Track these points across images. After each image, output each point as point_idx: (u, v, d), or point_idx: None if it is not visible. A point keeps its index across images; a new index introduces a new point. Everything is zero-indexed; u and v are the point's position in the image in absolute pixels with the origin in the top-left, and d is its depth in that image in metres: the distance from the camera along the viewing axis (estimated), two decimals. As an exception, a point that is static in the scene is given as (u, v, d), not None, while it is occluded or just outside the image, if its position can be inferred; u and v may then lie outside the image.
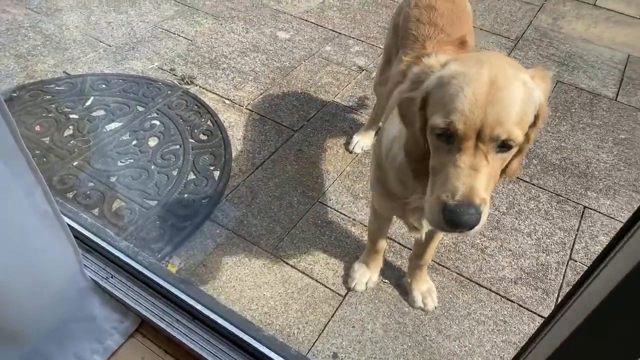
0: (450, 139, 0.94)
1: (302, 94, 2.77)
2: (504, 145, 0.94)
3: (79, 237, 1.72)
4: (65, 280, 1.54)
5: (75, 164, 2.22)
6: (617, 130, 2.72)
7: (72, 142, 2.33)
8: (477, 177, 0.92)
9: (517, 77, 0.95)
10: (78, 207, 2.03)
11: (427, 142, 1.03)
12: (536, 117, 1.00)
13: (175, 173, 2.23)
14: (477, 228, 0.94)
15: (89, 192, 2.10)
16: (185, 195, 2.13)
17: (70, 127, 2.41)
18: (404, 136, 1.14)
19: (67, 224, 1.77)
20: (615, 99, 2.96)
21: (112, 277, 1.67)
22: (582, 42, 3.48)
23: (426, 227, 1.33)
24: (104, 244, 1.71)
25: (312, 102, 2.71)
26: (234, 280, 1.86)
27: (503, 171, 1.06)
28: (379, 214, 1.61)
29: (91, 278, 1.63)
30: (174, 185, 2.17)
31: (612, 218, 2.21)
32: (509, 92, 0.91)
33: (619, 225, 2.18)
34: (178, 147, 2.36)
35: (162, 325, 1.55)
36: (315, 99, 2.74)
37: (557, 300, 1.87)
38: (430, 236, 1.56)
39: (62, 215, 1.56)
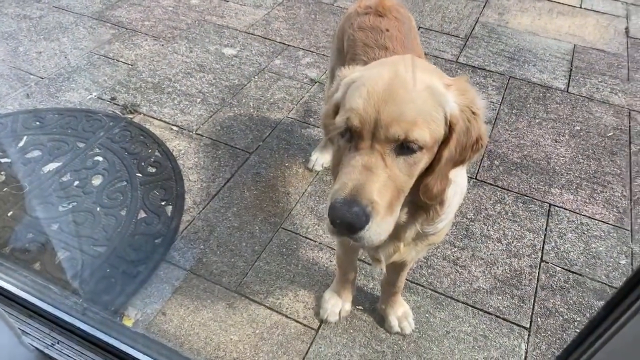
0: (350, 138, 0.93)
1: (255, 112, 2.64)
2: (406, 148, 0.90)
3: (17, 302, 1.55)
4: (3, 356, 1.37)
5: (10, 214, 2.02)
6: (572, 122, 2.74)
7: (5, 189, 2.12)
8: (370, 177, 0.88)
9: (422, 79, 0.93)
10: (16, 265, 1.83)
11: None
12: (449, 132, 0.94)
13: (123, 213, 2.06)
14: (368, 235, 0.88)
15: (27, 245, 1.90)
16: (136, 237, 1.97)
17: (2, 172, 2.19)
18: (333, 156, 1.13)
19: (4, 288, 1.59)
20: (567, 90, 2.99)
21: (58, 343, 1.51)
22: (529, 36, 3.51)
23: (385, 260, 1.25)
24: (46, 307, 1.54)
25: (266, 121, 2.59)
26: (197, 326, 1.72)
27: (419, 190, 1.00)
28: (344, 244, 1.51)
29: (34, 347, 1.47)
30: (123, 226, 2.00)
31: (578, 213, 2.21)
32: (407, 92, 0.90)
33: (585, 220, 2.17)
34: (125, 183, 2.19)
35: (119, 391, 1.40)
36: (269, 116, 2.62)
37: (533, 307, 1.83)
38: (400, 265, 1.47)
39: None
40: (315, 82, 2.88)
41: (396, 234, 1.16)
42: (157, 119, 2.56)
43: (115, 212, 2.06)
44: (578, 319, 1.81)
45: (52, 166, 2.24)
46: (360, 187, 0.86)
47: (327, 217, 0.88)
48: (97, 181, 2.19)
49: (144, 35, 3.21)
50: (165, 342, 1.66)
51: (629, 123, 2.76)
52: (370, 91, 0.89)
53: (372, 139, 0.89)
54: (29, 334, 1.49)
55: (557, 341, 1.74)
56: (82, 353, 1.47)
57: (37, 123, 2.46)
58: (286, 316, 1.76)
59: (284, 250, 1.98)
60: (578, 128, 2.70)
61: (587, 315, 1.83)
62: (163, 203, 2.12)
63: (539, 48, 3.38)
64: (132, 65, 2.93)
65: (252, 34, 3.30)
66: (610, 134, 2.67)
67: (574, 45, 3.44)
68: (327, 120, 1.06)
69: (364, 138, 0.89)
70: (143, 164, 2.29)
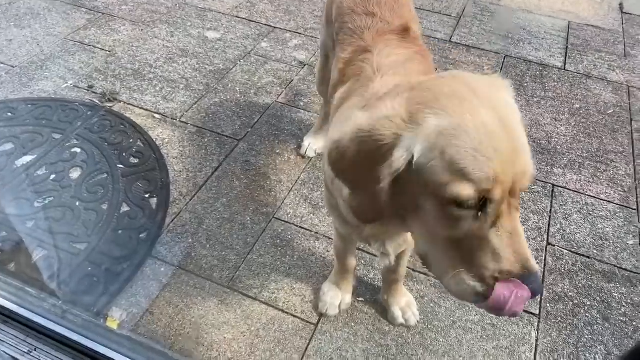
0: (475, 205, 0.77)
1: (242, 97, 2.51)
2: None
3: (-12, 306, 1.42)
4: (-28, 367, 1.25)
5: (-20, 212, 1.88)
6: (570, 101, 2.65)
7: (-25, 186, 1.97)
8: (523, 241, 0.79)
9: (509, 103, 0.83)
10: (-12, 266, 1.70)
11: (390, 201, 0.84)
12: None
13: (105, 207, 1.92)
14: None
15: (0, 245, 1.76)
16: (120, 232, 1.84)
17: (-28, 168, 2.04)
18: (351, 196, 0.93)
19: (-28, 292, 1.46)
20: (564, 68, 2.90)
21: (35, 350, 1.38)
22: (523, 13, 3.41)
23: (394, 251, 1.16)
24: (21, 311, 1.41)
25: (253, 106, 2.46)
26: (188, 325, 1.60)
27: None
28: (342, 235, 1.41)
29: (10, 355, 1.34)
30: (105, 221, 1.87)
31: (582, 193, 2.12)
32: (519, 128, 0.79)
33: (589, 201, 2.10)
34: (105, 176, 2.05)
35: (104, 400, 1.28)
36: (257, 101, 2.49)
37: (542, 294, 1.75)
38: (402, 251, 1.37)
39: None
40: (305, 65, 2.75)
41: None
42: (138, 107, 2.41)
43: (96, 206, 1.92)
44: (588, 303, 1.73)
45: (25, 159, 2.09)
46: (527, 257, 0.78)
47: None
48: (75, 174, 2.05)
49: (122, 20, 3.04)
50: (153, 344, 1.54)
51: (629, 100, 2.68)
52: (498, 147, 0.75)
53: (505, 196, 0.78)
54: (4, 342, 1.36)
55: (568, 327, 1.66)
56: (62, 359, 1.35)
57: (9, 114, 2.30)
58: (283, 311, 1.65)
59: (278, 241, 1.87)
60: (577, 106, 2.62)
61: (598, 298, 1.75)
62: (147, 195, 1.99)
63: (534, 26, 3.28)
64: (109, 51, 2.77)
65: (236, 16, 3.15)
66: (610, 112, 2.59)
67: (569, 22, 3.34)
68: (371, 173, 0.81)
69: (502, 201, 0.77)
70: (124, 154, 2.15)
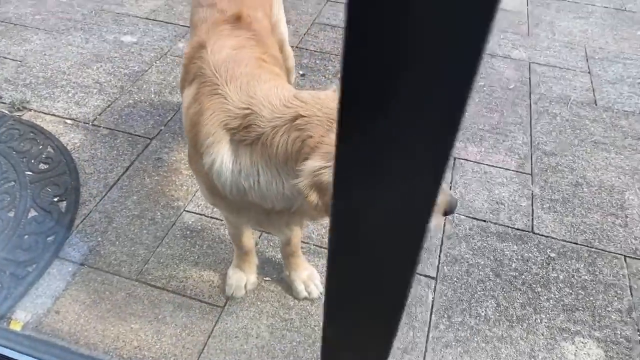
0: None
1: (156, 97, 2.53)
2: None
3: None
4: None
5: None
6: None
7: None
8: None
9: None
10: None
11: None
12: None
13: (11, 214, 1.91)
14: None
15: None
16: (26, 237, 1.84)
17: None
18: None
19: None
20: (471, 49, 3.05)
21: None
22: None
23: (290, 231, 1.27)
24: None
25: (168, 105, 2.49)
26: (94, 320, 1.62)
27: None
28: (230, 219, 1.47)
29: None
30: (11, 228, 1.86)
31: (481, 163, 2.26)
32: None
33: (488, 169, 2.23)
34: (12, 184, 2.04)
35: (0, 398, 1.29)
36: (171, 100, 2.52)
37: (439, 257, 1.86)
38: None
39: None
40: (220, 62, 2.79)
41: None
42: (49, 114, 2.40)
43: (1, 214, 1.91)
44: (482, 262, 1.86)
45: None
46: None
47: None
48: (-20, 185, 2.02)
49: (35, 30, 3.00)
50: (57, 341, 1.56)
51: (529, 75, 2.86)
52: None
53: None
54: None
55: (463, 286, 1.78)
56: (-45, 364, 1.35)
57: None
58: (190, 297, 1.70)
59: (188, 232, 1.91)
60: (482, 84, 2.77)
61: (491, 257, 1.87)
62: (56, 199, 1.99)
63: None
64: (20, 61, 2.73)
65: (153, 19, 3.16)
66: (512, 87, 2.75)
67: (478, 6, 3.51)
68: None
69: None
70: (33, 161, 2.14)
